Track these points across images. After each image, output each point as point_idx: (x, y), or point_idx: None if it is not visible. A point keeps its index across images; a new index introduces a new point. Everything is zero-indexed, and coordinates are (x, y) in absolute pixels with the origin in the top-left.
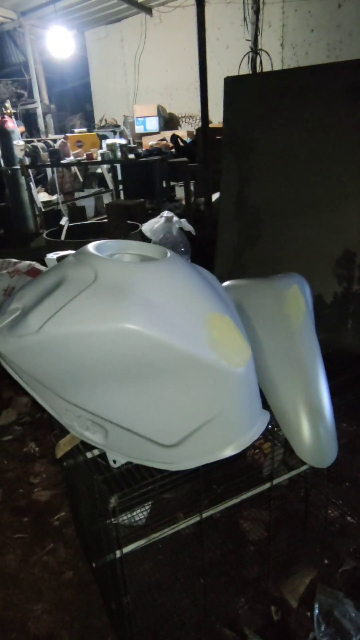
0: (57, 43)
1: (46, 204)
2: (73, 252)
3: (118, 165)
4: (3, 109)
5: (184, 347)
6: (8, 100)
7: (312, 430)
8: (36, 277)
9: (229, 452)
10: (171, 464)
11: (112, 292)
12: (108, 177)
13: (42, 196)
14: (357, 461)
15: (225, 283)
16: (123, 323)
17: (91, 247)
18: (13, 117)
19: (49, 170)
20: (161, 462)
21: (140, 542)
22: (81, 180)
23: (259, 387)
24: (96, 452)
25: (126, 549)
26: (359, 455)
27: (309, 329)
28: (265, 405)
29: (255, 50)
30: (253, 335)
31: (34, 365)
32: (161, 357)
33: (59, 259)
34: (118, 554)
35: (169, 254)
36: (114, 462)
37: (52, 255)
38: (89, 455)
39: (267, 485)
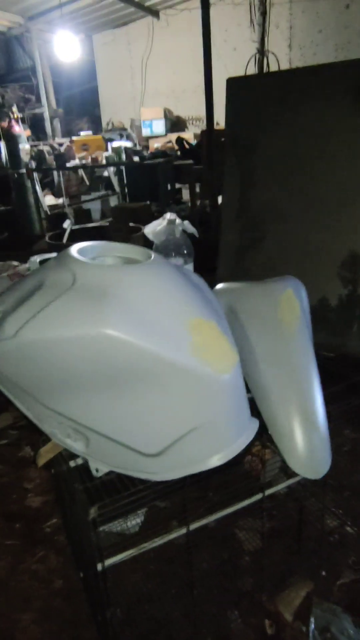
0: (64, 47)
1: (52, 207)
2: (55, 254)
3: (124, 168)
4: (10, 113)
5: (164, 353)
6: (15, 105)
7: (305, 439)
8: (18, 280)
9: (214, 462)
10: (154, 474)
11: (90, 296)
12: (114, 180)
13: (48, 199)
14: (359, 469)
15: (219, 286)
16: (100, 328)
17: (73, 249)
18: (19, 121)
19: (55, 173)
20: (144, 472)
21: (127, 553)
22: (87, 183)
23: (251, 393)
24: (80, 460)
25: (110, 561)
26: None
27: (304, 334)
28: (256, 412)
29: (262, 51)
30: (245, 340)
31: (12, 371)
32: (140, 363)
33: (42, 262)
34: (100, 566)
35: (152, 257)
36: (97, 470)
37: (35, 258)
38: (72, 464)
39: (260, 495)
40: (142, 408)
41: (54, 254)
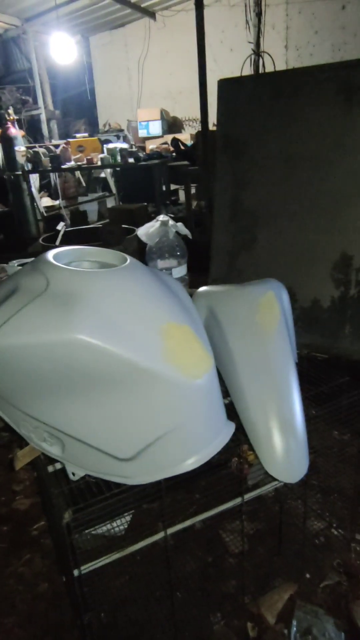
0: (60, 49)
1: (49, 208)
2: (31, 259)
3: (120, 170)
4: (6, 115)
5: (135, 358)
6: (11, 107)
7: (282, 443)
8: None
9: (188, 465)
10: (128, 478)
11: (63, 301)
12: (111, 182)
13: (45, 201)
14: (346, 471)
15: (200, 289)
16: (71, 333)
17: (49, 254)
18: (15, 123)
19: (52, 175)
20: (118, 476)
21: (108, 557)
22: (84, 185)
23: (230, 399)
24: (59, 465)
25: (89, 565)
26: (349, 465)
27: (283, 337)
28: (235, 415)
29: (257, 52)
30: (224, 344)
31: None
32: (111, 368)
33: (21, 266)
34: (76, 572)
35: (128, 261)
36: (73, 474)
37: (14, 263)
38: (50, 468)
39: (247, 496)
40: (114, 413)
41: (31, 259)
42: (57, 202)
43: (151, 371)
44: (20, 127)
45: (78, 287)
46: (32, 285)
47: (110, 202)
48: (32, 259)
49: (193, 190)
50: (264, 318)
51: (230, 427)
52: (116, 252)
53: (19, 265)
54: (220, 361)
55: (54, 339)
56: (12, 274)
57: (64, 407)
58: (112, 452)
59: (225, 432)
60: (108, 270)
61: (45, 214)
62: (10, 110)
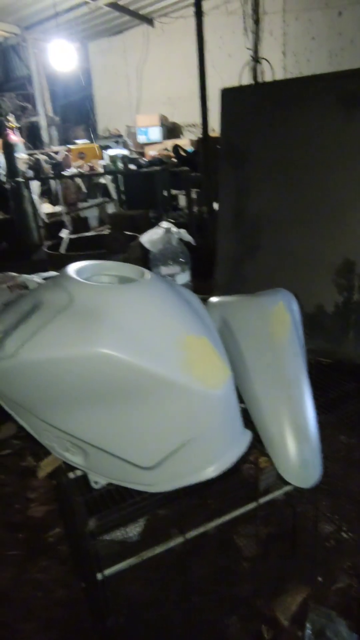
0: (60, 56)
1: (50, 215)
2: (54, 273)
3: (121, 176)
4: (6, 122)
5: (157, 370)
6: (12, 114)
7: (296, 449)
8: (17, 299)
9: (208, 473)
10: (150, 486)
11: (86, 316)
12: (111, 188)
13: (46, 208)
14: (354, 475)
15: (211, 299)
16: (96, 347)
17: (69, 269)
18: (16, 130)
19: (53, 181)
20: (141, 484)
21: (127, 562)
22: (85, 191)
23: (245, 405)
24: (79, 472)
25: (109, 571)
26: (357, 468)
27: (295, 346)
28: (250, 422)
29: (256, 59)
30: (238, 353)
31: (11, 388)
32: (135, 381)
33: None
34: (99, 576)
35: (146, 275)
36: (95, 483)
37: (34, 277)
38: (71, 475)
39: (255, 504)
40: (138, 423)
41: (53, 273)
42: (58, 209)
43: (173, 383)
44: (20, 134)
45: (101, 302)
46: (55, 301)
47: (111, 208)
48: (52, 273)
49: (194, 195)
50: (276, 328)
51: (247, 435)
52: (134, 266)
53: (38, 280)
54: (235, 370)
55: (79, 353)
56: (33, 289)
57: (88, 418)
58: (135, 461)
59: (243, 440)
60: (129, 285)
61: (46, 221)
62: (11, 117)
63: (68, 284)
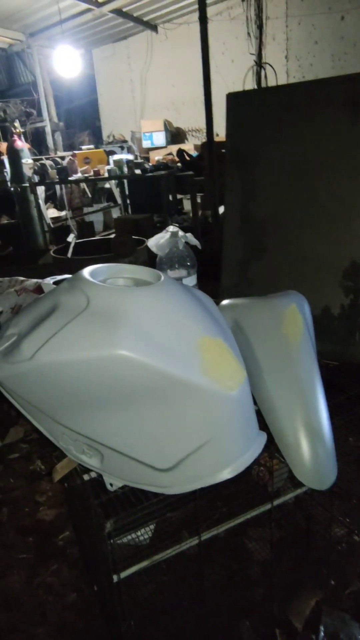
0: (64, 62)
1: (55, 219)
2: (69, 276)
3: (125, 180)
4: (12, 128)
5: (175, 372)
6: (17, 120)
7: (311, 451)
8: (32, 302)
9: (224, 475)
10: (167, 488)
11: (104, 318)
12: (116, 192)
13: (51, 212)
14: None
15: (224, 302)
16: (114, 349)
17: (85, 272)
18: (22, 136)
19: (58, 186)
20: (157, 486)
21: (141, 565)
22: (89, 195)
23: (258, 407)
24: (94, 474)
25: (125, 573)
26: None
27: (308, 348)
28: (264, 424)
29: (259, 64)
30: (251, 356)
31: (28, 391)
32: (152, 383)
33: (56, 283)
34: (115, 578)
35: (162, 278)
36: (111, 485)
37: (49, 280)
38: (86, 477)
39: (269, 505)
40: (155, 425)
41: (67, 275)
42: (63, 213)
43: (190, 384)
44: (25, 140)
45: (118, 304)
46: (72, 303)
47: (116, 213)
48: (65, 276)
49: (198, 200)
50: (289, 329)
51: (263, 437)
52: (149, 269)
53: (54, 283)
54: (248, 372)
55: (97, 355)
56: (48, 291)
57: (105, 420)
58: (152, 463)
59: (258, 442)
60: (145, 287)
61: (52, 225)
62: (16, 123)
63: (85, 287)
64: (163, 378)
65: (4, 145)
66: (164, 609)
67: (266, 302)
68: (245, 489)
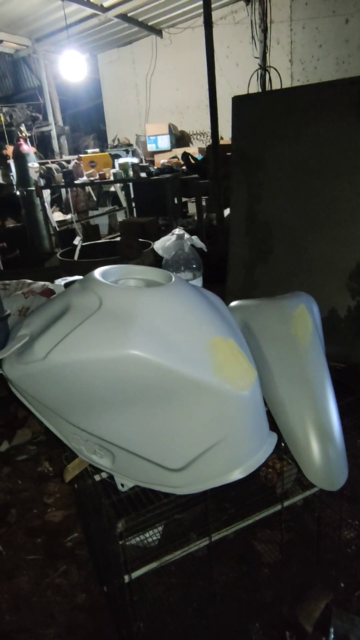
0: (70, 67)
1: (61, 223)
2: (80, 277)
3: (131, 184)
4: (18, 132)
5: (187, 372)
6: (23, 124)
7: (322, 452)
8: (44, 303)
9: (235, 475)
10: (178, 488)
11: (116, 318)
12: (121, 195)
13: (56, 216)
14: None
15: (233, 303)
16: (127, 349)
17: (96, 273)
18: (27, 140)
19: (63, 190)
20: (168, 486)
21: (151, 566)
22: (95, 199)
23: (267, 408)
24: (104, 474)
25: (135, 574)
26: None
27: (317, 348)
28: (274, 425)
29: (264, 67)
30: (260, 356)
31: (41, 391)
32: (165, 382)
33: (67, 284)
34: (127, 578)
35: (173, 279)
36: (122, 485)
37: (60, 281)
38: (97, 478)
39: (279, 507)
40: (167, 425)
41: (77, 277)
42: (68, 217)
43: (202, 384)
44: (32, 144)
45: (130, 304)
46: (85, 304)
47: (121, 216)
48: (77, 277)
49: (203, 203)
50: (298, 330)
51: (273, 438)
52: (161, 270)
53: (65, 284)
54: (258, 372)
55: (109, 355)
56: (59, 292)
57: (117, 420)
58: (163, 463)
59: (269, 442)
60: (157, 288)
61: (57, 229)
62: (22, 128)
63: (96, 287)
64: (175, 378)
65: (11, 148)
66: (173, 610)
67: (275, 303)
68: (254, 490)
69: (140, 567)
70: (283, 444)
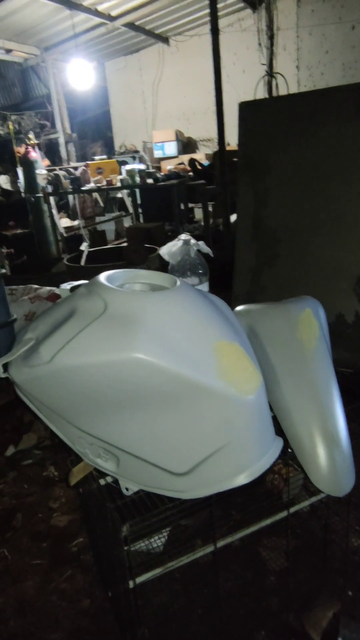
0: (78, 75)
1: (68, 229)
2: (86, 281)
3: (137, 190)
4: (27, 139)
5: (192, 376)
6: (32, 132)
7: (328, 457)
8: (50, 307)
9: (241, 480)
10: (183, 493)
11: (122, 322)
12: (128, 202)
13: (64, 222)
14: None
15: (238, 308)
16: (132, 353)
17: (102, 277)
18: (36, 147)
19: (70, 196)
20: (173, 491)
21: (156, 572)
22: (102, 205)
23: (273, 412)
24: (109, 479)
25: (140, 579)
26: None
27: (323, 353)
28: (280, 431)
29: (270, 73)
30: (266, 361)
31: (46, 394)
32: (170, 386)
33: (72, 288)
34: (131, 584)
35: (178, 283)
36: (127, 489)
37: (66, 286)
38: (102, 482)
39: (285, 513)
40: (172, 429)
41: (83, 281)
42: (75, 223)
43: (207, 388)
44: (40, 151)
45: (135, 308)
46: (90, 308)
47: (127, 222)
48: (82, 281)
49: (209, 208)
50: (304, 334)
51: (279, 442)
52: (166, 274)
53: (71, 288)
54: (263, 377)
55: (114, 358)
56: (65, 296)
57: (122, 424)
58: (168, 467)
59: (275, 446)
60: (162, 292)
61: (64, 235)
62: (31, 135)
63: (102, 292)
64: (180, 381)
65: (22, 148)
66: (177, 616)
67: (281, 307)
68: (259, 496)
69: (145, 573)
70: (289, 450)
